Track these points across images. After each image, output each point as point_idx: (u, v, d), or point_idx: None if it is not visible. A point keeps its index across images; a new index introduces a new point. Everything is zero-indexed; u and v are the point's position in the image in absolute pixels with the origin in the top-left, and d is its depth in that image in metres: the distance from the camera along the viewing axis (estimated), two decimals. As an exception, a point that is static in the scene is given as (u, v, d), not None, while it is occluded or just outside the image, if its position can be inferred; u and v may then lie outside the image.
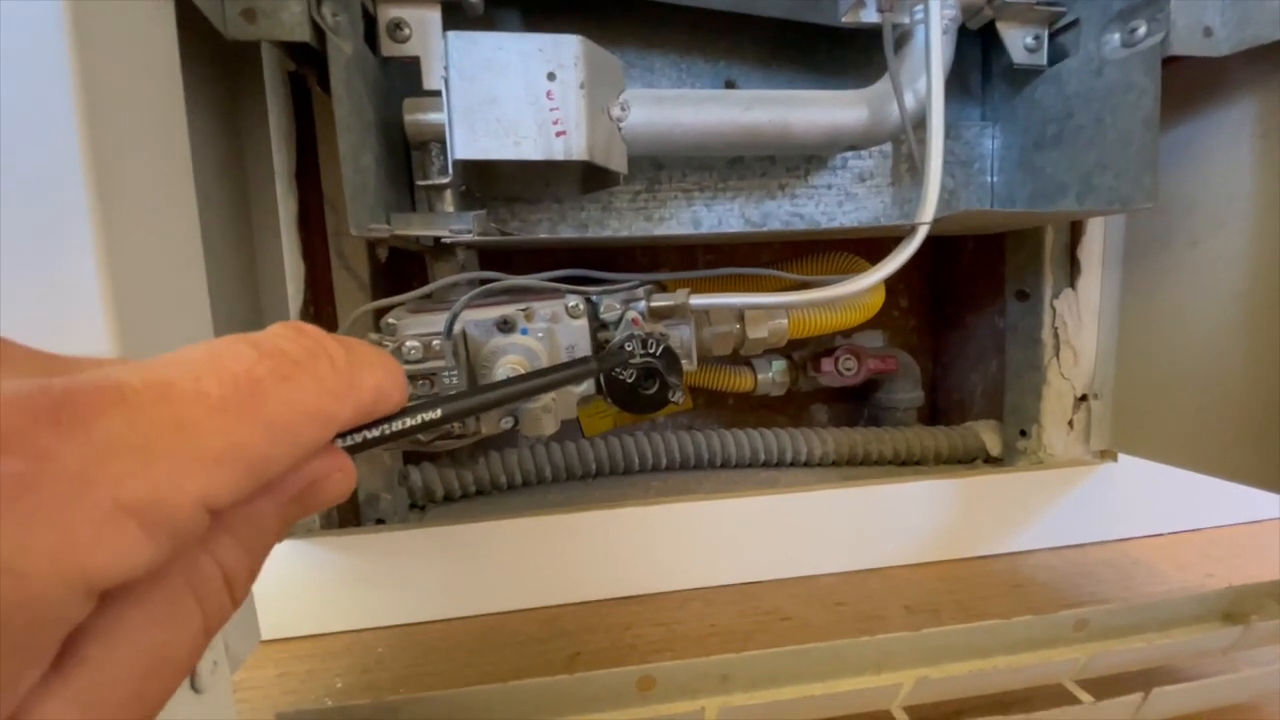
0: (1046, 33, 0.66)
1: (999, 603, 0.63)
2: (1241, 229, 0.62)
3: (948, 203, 0.76)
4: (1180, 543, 0.76)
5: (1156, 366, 0.72)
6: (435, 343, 0.44)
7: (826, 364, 0.79)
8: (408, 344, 0.43)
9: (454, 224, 0.52)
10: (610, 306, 0.55)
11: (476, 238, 0.50)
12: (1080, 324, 0.77)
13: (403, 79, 0.56)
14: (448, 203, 0.57)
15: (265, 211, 0.58)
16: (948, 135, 0.75)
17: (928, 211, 0.56)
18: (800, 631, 0.60)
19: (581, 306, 0.53)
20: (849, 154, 0.73)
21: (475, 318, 0.47)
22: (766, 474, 0.83)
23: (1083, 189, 0.64)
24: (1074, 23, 0.64)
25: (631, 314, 0.55)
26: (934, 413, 0.99)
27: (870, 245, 0.76)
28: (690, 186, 0.71)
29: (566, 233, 0.69)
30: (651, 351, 0.51)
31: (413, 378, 0.44)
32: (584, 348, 0.52)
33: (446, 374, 0.44)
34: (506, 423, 0.50)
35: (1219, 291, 0.65)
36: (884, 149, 0.75)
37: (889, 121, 0.62)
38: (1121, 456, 0.77)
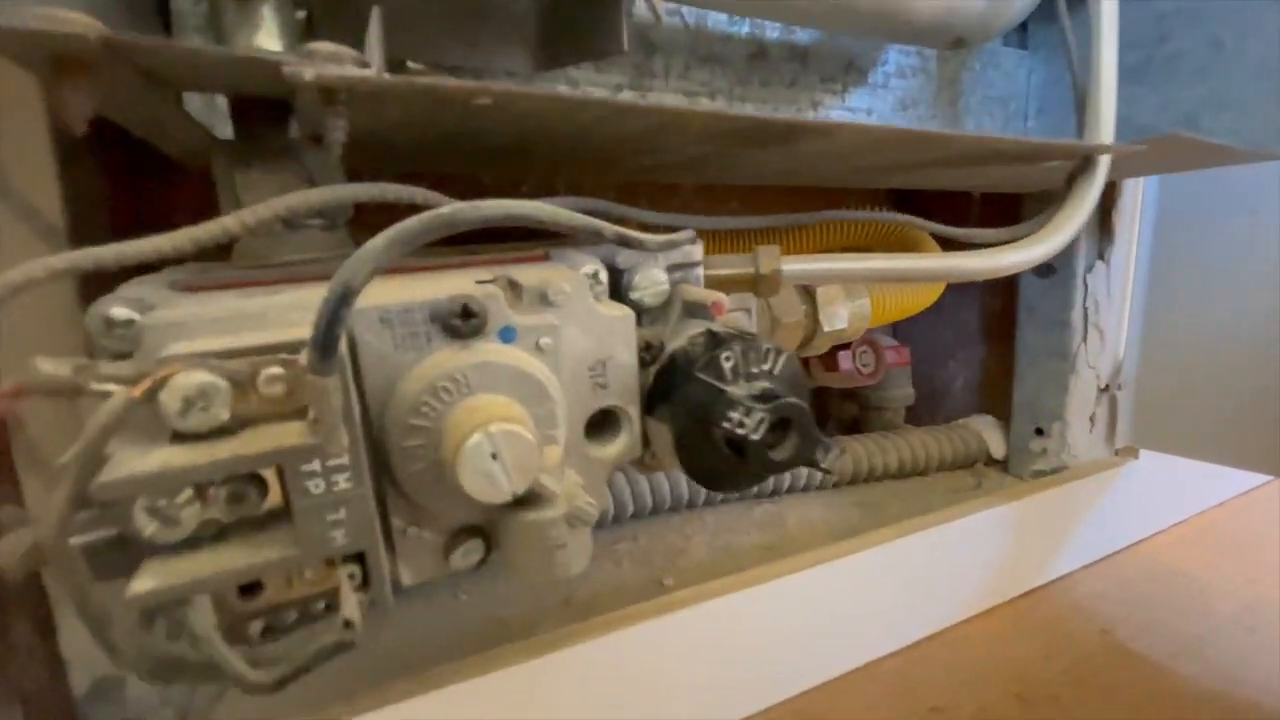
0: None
1: (1104, 663, 0.49)
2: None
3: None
4: (1197, 535, 0.69)
5: (1187, 351, 0.64)
6: (270, 374, 0.13)
7: (844, 360, 0.59)
8: (183, 384, 0.12)
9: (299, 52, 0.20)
10: (650, 274, 0.27)
11: (418, 81, 0.19)
12: (1110, 303, 0.65)
13: None
14: (265, 23, 0.24)
15: None
16: (986, 64, 0.58)
17: (1105, 129, 0.36)
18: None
19: (604, 277, 0.25)
20: (893, 73, 0.52)
21: (383, 303, 0.17)
22: (765, 511, 0.61)
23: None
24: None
25: (702, 294, 0.28)
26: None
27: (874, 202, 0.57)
28: (694, 87, 0.45)
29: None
30: (771, 369, 0.25)
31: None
32: (626, 364, 0.24)
33: (310, 467, 0.14)
34: (467, 562, 0.20)
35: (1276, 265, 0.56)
36: (928, 69, 0.55)
37: (1010, 11, 0.41)
38: (1142, 453, 0.68)
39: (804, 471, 0.64)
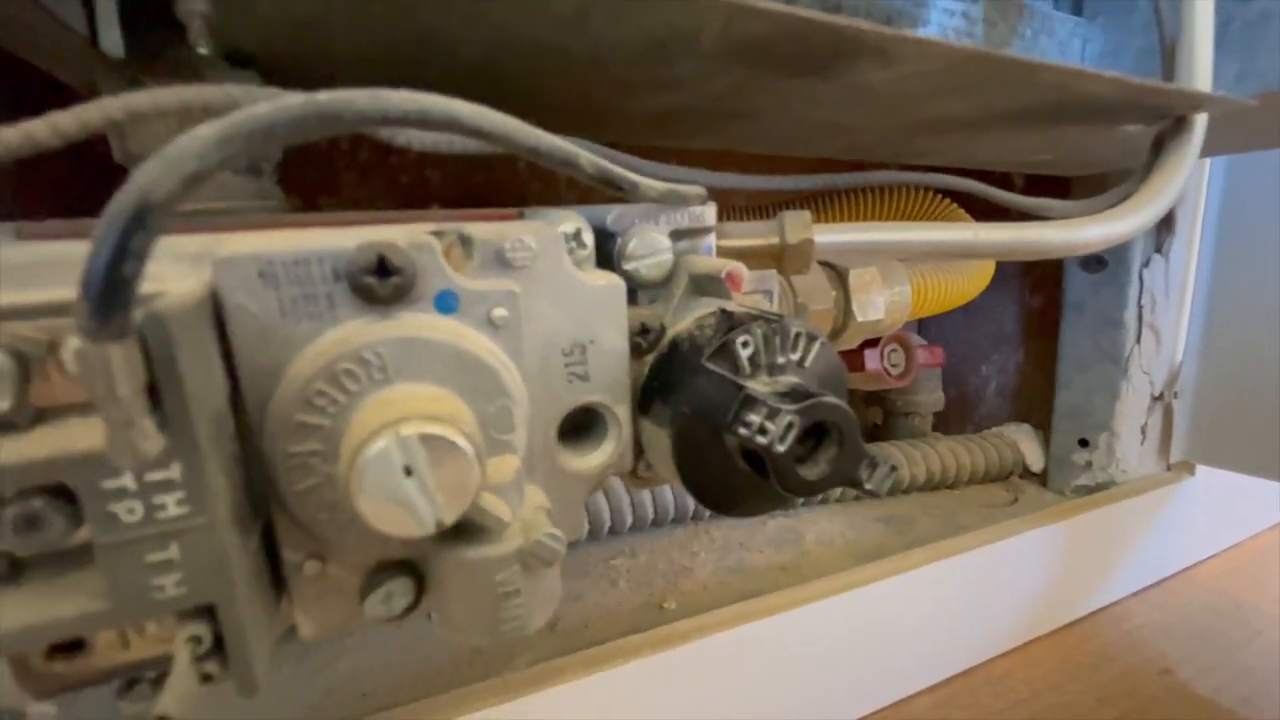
0: None
1: (1170, 711, 0.42)
2: None
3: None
4: (1258, 559, 0.62)
5: (1252, 358, 0.57)
6: (76, 350, 0.07)
7: (871, 359, 0.52)
8: None
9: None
10: (649, 240, 0.21)
11: None
12: (1167, 302, 0.59)
13: None
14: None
15: None
16: (1038, 31, 0.52)
17: (1201, 76, 0.30)
18: None
19: (589, 239, 0.19)
20: (934, 33, 0.46)
21: (264, 251, 0.10)
22: (779, 526, 0.55)
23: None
24: None
25: (713, 264, 0.22)
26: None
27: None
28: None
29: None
30: (801, 359, 0.19)
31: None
32: (614, 349, 0.18)
33: (116, 483, 0.08)
34: (388, 609, 0.13)
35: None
36: (974, 33, 0.49)
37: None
38: (1199, 469, 0.61)
39: (822, 482, 0.58)
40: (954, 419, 0.76)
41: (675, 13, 0.20)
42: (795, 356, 0.20)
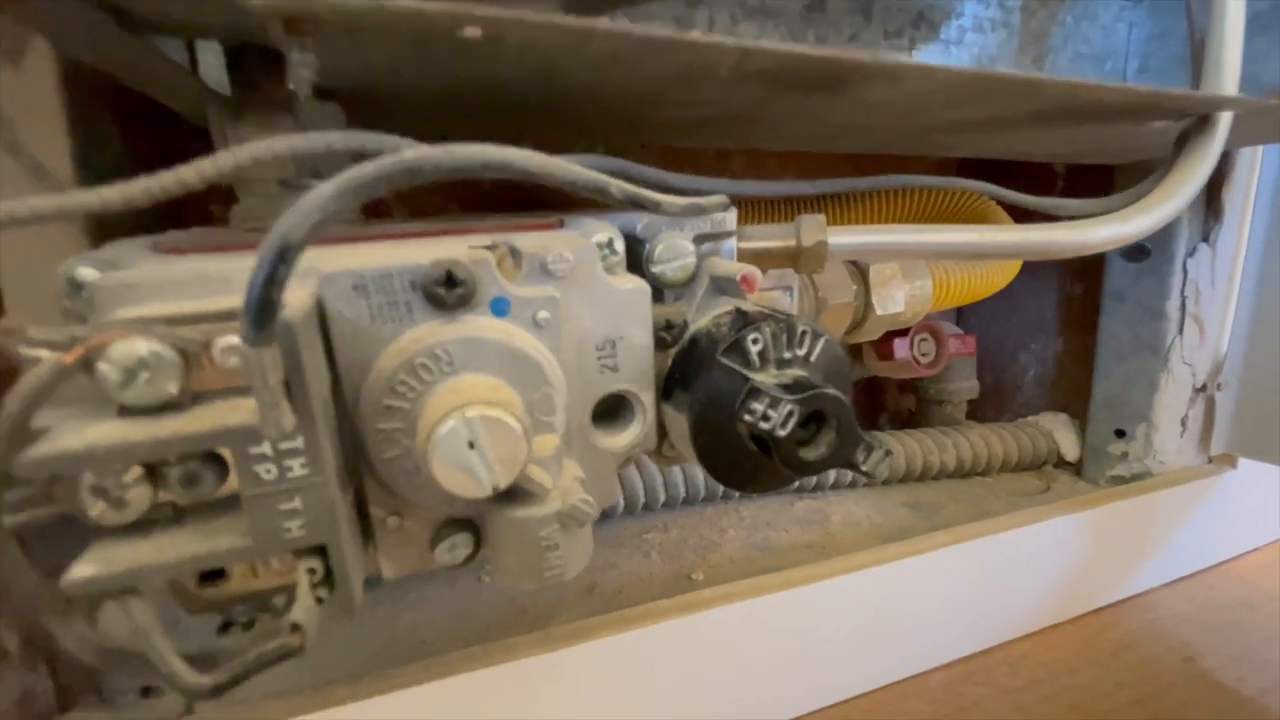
0: None
1: (1185, 695, 0.43)
2: None
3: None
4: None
5: (1303, 348, 0.56)
6: (227, 344, 0.11)
7: (900, 347, 0.54)
8: (123, 352, 0.10)
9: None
10: (674, 246, 0.24)
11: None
12: (1213, 292, 0.58)
13: None
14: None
15: None
16: (1080, 16, 0.51)
17: (1228, 79, 0.30)
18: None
19: (620, 246, 0.22)
20: (969, 27, 0.47)
21: (356, 267, 0.14)
22: (807, 507, 0.57)
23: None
24: None
25: (731, 267, 0.25)
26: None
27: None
28: (741, 42, 0.41)
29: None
30: (807, 354, 0.21)
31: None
32: (640, 344, 0.21)
33: (260, 450, 0.12)
34: (453, 557, 0.17)
35: None
36: (1010, 22, 0.49)
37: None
38: (1241, 462, 0.60)
39: (851, 466, 0.60)
40: (990, 406, 0.76)
41: (691, 55, 0.22)
42: (801, 352, 0.23)
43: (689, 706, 0.41)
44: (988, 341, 0.74)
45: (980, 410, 0.75)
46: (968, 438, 0.64)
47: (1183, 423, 0.60)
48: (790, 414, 0.20)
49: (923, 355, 0.55)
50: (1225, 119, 0.30)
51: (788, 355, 0.22)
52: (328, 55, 0.17)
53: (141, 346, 0.15)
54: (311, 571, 0.16)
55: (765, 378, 0.22)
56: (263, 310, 0.13)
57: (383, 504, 0.19)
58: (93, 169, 0.29)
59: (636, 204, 0.20)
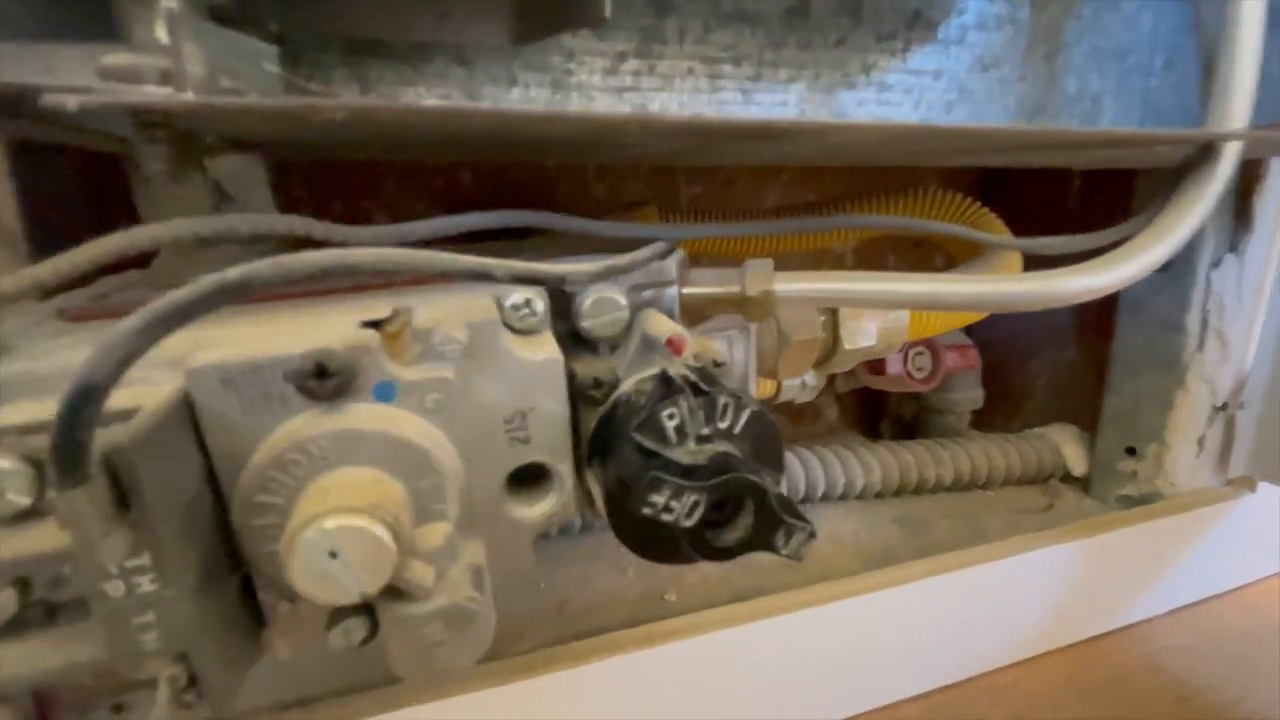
0: None
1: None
2: None
3: (1089, 112, 0.49)
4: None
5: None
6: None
7: (893, 363, 0.52)
8: None
9: (146, 48, 0.16)
10: (603, 301, 0.23)
11: (222, 101, 0.15)
12: (1239, 306, 0.54)
13: None
14: (157, 20, 0.21)
15: None
16: (1100, 7, 0.47)
17: (1236, 113, 0.27)
18: None
19: (540, 306, 0.21)
20: (972, 25, 0.43)
21: (222, 360, 0.13)
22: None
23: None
24: None
25: (662, 326, 0.24)
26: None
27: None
28: (715, 52, 0.39)
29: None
30: (726, 428, 0.20)
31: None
32: (554, 415, 0.20)
33: (111, 578, 0.13)
34: (348, 641, 0.17)
35: None
36: (1018, 18, 0.45)
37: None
38: (1261, 485, 0.57)
39: (839, 477, 0.58)
40: (997, 413, 0.74)
41: (592, 125, 0.21)
42: (724, 425, 0.21)
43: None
44: (996, 345, 0.71)
45: (987, 415, 0.72)
46: (968, 450, 0.62)
47: (1199, 443, 0.57)
48: (695, 505, 0.19)
49: (917, 370, 0.53)
50: (1232, 151, 0.27)
51: (706, 431, 0.21)
52: (218, 126, 0.16)
53: (-15, 463, 0.14)
54: (174, 678, 0.16)
55: (683, 455, 0.21)
56: (70, 457, 0.12)
57: (271, 590, 0.19)
58: (39, 212, 0.29)
59: (531, 281, 0.18)
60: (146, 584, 0.15)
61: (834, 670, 0.44)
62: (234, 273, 0.13)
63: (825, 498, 0.59)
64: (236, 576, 0.18)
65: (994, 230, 0.42)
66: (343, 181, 0.52)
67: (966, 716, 0.44)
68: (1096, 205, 0.59)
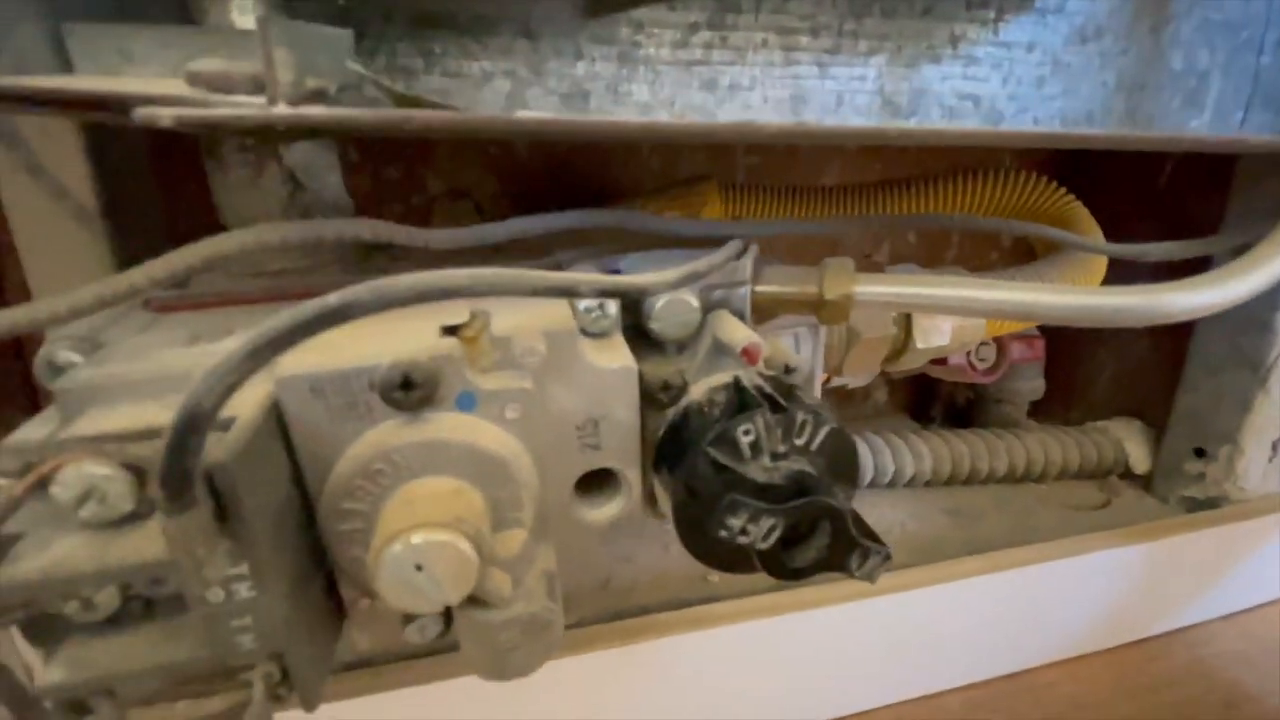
0: None
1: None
2: None
3: (1194, 91, 0.45)
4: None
5: None
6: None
7: (956, 354, 0.50)
8: (73, 477, 0.16)
9: (239, 55, 0.16)
10: (675, 303, 0.22)
11: (319, 112, 0.15)
12: (1340, 304, 0.50)
13: None
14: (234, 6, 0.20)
15: None
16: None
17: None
18: None
19: (613, 309, 0.20)
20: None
21: (313, 370, 0.13)
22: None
23: None
24: None
25: (736, 332, 0.23)
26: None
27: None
28: (793, 24, 0.36)
29: (539, 105, 0.33)
30: (803, 444, 0.19)
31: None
32: (625, 422, 0.20)
33: (211, 585, 0.15)
34: (423, 636, 0.17)
35: None
36: (1124, -17, 0.41)
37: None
38: (1339, 495, 0.54)
39: (889, 465, 0.57)
40: (1057, 403, 0.71)
41: (692, 133, 0.19)
42: (801, 441, 0.21)
43: (686, 713, 0.42)
44: (1060, 332, 0.68)
45: (1045, 404, 0.70)
46: (1024, 443, 0.60)
47: (1274, 447, 0.54)
48: (772, 529, 0.19)
49: (981, 361, 0.51)
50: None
51: (782, 449, 0.20)
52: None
53: (89, 471, 0.15)
54: (269, 675, 0.17)
55: (759, 472, 0.20)
56: (178, 483, 0.12)
57: (352, 587, 0.20)
58: (114, 189, 0.30)
59: (615, 295, 0.18)
60: (244, 591, 0.15)
61: (875, 660, 0.44)
62: (334, 299, 0.13)
63: (873, 484, 0.58)
64: (321, 574, 0.19)
65: (1083, 225, 0.39)
66: (398, 148, 0.52)
67: (1007, 713, 0.44)
68: (1190, 191, 0.55)
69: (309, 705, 0.17)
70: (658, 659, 0.41)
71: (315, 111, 0.14)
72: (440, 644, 0.37)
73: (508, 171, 0.55)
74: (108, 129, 0.30)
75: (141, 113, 0.13)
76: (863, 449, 0.57)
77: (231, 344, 0.12)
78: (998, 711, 0.44)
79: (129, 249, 0.30)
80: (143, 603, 0.17)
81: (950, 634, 0.46)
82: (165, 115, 0.13)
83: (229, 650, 0.16)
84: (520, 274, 0.15)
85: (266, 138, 0.21)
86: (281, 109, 0.14)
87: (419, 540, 0.16)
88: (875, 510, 0.56)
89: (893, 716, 0.44)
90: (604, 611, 0.43)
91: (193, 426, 0.12)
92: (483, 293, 0.15)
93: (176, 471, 0.12)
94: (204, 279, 0.24)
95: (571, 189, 0.56)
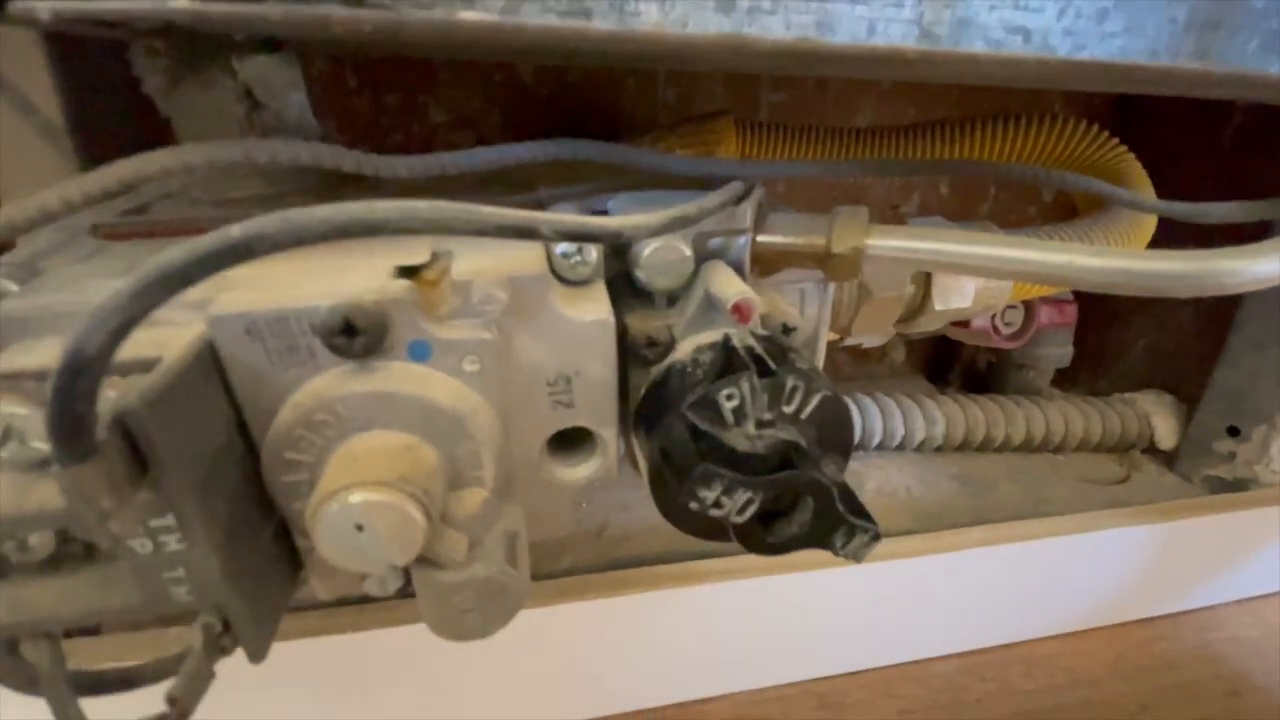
0: None
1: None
2: None
3: (1271, 40, 0.40)
4: None
5: None
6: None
7: (979, 316, 0.47)
8: None
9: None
10: (664, 250, 0.20)
11: (221, 8, 0.13)
12: None
13: None
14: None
15: None
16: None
17: None
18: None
19: (594, 255, 0.18)
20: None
21: (246, 309, 0.12)
22: (841, 469, 0.54)
23: None
24: None
25: (729, 286, 0.21)
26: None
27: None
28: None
29: (532, 15, 0.29)
30: (792, 412, 0.18)
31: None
32: (601, 379, 0.18)
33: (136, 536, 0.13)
34: (382, 589, 0.16)
35: None
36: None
37: None
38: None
39: (899, 428, 0.55)
40: (1083, 372, 0.67)
41: (669, 46, 0.17)
42: (790, 409, 0.19)
43: (677, 666, 0.43)
44: (1092, 297, 0.64)
45: (1073, 375, 0.67)
46: (1044, 411, 0.57)
47: (1316, 430, 0.51)
48: (748, 503, 0.17)
49: (1006, 325, 0.48)
50: None
51: (769, 416, 0.19)
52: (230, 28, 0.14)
53: (8, 409, 0.14)
54: (208, 626, 0.16)
55: (741, 439, 0.18)
56: (69, 431, 0.11)
57: (305, 537, 0.19)
58: (81, 104, 0.28)
59: (583, 239, 0.16)
60: (173, 543, 0.15)
61: (868, 622, 0.44)
62: (236, 231, 0.11)
63: (881, 447, 0.56)
64: (273, 522, 0.18)
65: (1134, 180, 0.35)
66: (398, 73, 0.49)
67: (998, 680, 0.44)
68: (1257, 146, 0.50)
69: (254, 657, 0.17)
70: (649, 612, 0.41)
71: (214, 8, 0.12)
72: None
73: (513, 102, 0.52)
74: (74, 40, 0.28)
75: (16, 6, 0.11)
76: (871, 410, 0.55)
77: (120, 282, 0.11)
78: (988, 680, 0.44)
79: (91, 147, 0.28)
80: (82, 545, 0.16)
81: (947, 601, 0.45)
82: (42, 8, 0.11)
83: (163, 601, 0.15)
84: (466, 209, 0.13)
85: (213, 50, 0.19)
86: (180, 3, 0.12)
87: (357, 499, 0.15)
88: (881, 473, 0.54)
89: (881, 679, 0.44)
90: (598, 559, 0.43)
91: (78, 370, 0.11)
92: (419, 229, 0.13)
93: (66, 419, 0.11)
94: (162, 205, 0.23)
95: (581, 123, 0.53)
